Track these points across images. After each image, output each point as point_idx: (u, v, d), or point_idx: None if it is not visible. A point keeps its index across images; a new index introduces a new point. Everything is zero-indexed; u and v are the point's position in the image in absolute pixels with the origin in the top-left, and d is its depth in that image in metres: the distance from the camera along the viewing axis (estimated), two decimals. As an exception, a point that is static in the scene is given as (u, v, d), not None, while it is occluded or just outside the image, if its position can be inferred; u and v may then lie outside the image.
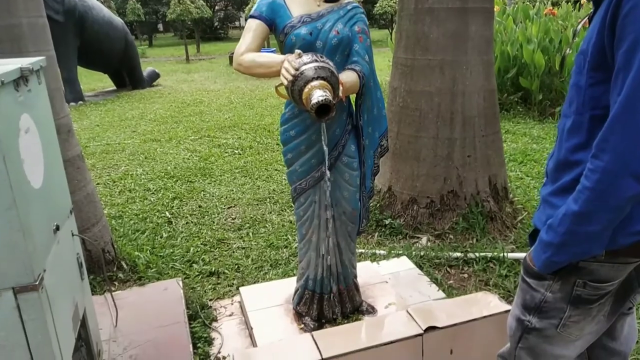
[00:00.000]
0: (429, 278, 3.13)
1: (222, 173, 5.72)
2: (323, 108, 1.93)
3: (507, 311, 1.80)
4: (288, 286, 2.93)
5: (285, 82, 2.02)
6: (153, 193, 5.19)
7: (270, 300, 2.84)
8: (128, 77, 12.67)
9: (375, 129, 2.49)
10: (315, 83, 1.97)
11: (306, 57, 2.02)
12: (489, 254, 3.36)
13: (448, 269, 3.34)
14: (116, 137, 7.63)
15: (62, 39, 10.33)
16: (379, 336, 1.70)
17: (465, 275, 3.26)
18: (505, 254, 3.31)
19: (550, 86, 7.34)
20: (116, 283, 3.32)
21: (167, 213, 4.62)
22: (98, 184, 5.54)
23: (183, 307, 2.75)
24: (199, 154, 6.45)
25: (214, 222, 4.40)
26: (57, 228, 1.78)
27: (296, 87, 2.00)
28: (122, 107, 10.28)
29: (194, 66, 18.50)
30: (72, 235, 2.01)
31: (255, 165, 5.91)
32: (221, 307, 2.98)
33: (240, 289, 2.99)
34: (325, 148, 2.22)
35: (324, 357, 1.64)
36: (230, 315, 2.90)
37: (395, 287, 2.96)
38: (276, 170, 5.70)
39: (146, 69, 13.40)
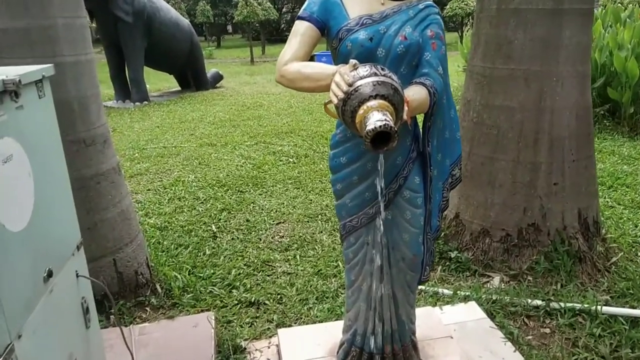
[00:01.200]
0: (503, 333, 2.60)
1: (275, 183, 5.39)
2: (381, 136, 1.50)
3: None
4: (333, 332, 2.52)
5: (335, 101, 1.61)
6: (202, 202, 4.95)
7: (312, 349, 2.44)
8: (192, 78, 12.74)
9: (446, 155, 2.02)
10: (372, 103, 1.54)
11: (363, 70, 1.60)
12: (578, 305, 2.78)
13: (526, 319, 2.80)
14: (174, 140, 7.54)
15: (130, 40, 10.52)
16: None
17: (547, 331, 2.71)
18: (598, 306, 2.72)
19: (647, 98, 6.47)
20: (148, 309, 3.04)
21: (213, 226, 4.34)
22: (149, 190, 5.39)
23: (212, 352, 2.40)
24: (253, 161, 6.18)
25: (260, 240, 4.06)
26: (50, 274, 1.47)
27: (348, 107, 1.58)
28: (183, 108, 10.28)
29: (257, 68, 18.52)
30: (77, 276, 1.70)
31: (309, 176, 5.54)
32: (256, 350, 2.62)
33: (279, 331, 2.61)
34: (380, 186, 1.79)
35: None
36: (265, 362, 2.53)
37: (461, 343, 2.47)
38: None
39: (210, 71, 13.45)
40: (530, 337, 2.66)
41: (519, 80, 3.05)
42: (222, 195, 5.10)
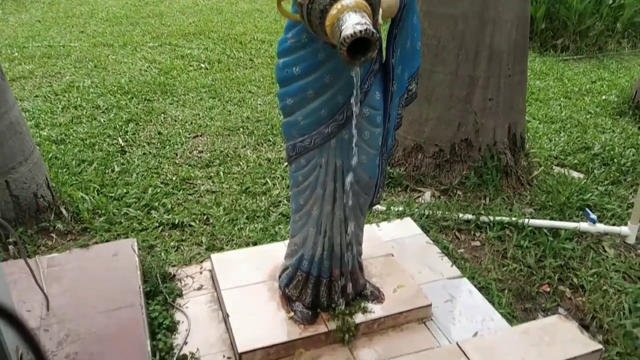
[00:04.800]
0: (439, 248, 2.63)
1: (186, 92, 4.91)
2: (358, 43, 1.25)
3: (595, 352, 1.31)
4: (272, 255, 2.38)
5: (298, -4, 1.31)
6: (104, 112, 4.39)
7: (250, 274, 2.29)
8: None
9: (405, 68, 1.82)
10: (348, 1, 1.27)
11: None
12: (505, 218, 2.87)
13: (457, 233, 2.85)
14: (60, 38, 6.53)
15: None
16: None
17: (478, 244, 2.79)
18: (525, 219, 2.83)
19: (557, 14, 6.63)
20: (54, 236, 2.67)
21: (120, 140, 3.88)
22: (37, 96, 4.66)
23: (139, 283, 2.16)
24: (158, 66, 5.55)
25: (176, 155, 3.71)
26: None
27: (317, 5, 1.30)
28: (69, 0, 8.90)
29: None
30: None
31: (225, 85, 5.10)
32: (187, 276, 2.41)
33: (212, 256, 2.41)
34: (355, 108, 1.57)
35: None
36: (199, 289, 2.34)
37: (402, 260, 2.45)
38: (250, 92, 4.94)
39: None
40: (462, 250, 2.73)
41: (463, -14, 2.85)
42: (126, 104, 4.55)
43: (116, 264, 2.25)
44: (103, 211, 2.92)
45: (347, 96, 1.67)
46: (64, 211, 2.79)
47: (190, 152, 3.76)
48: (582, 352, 1.28)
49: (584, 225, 2.77)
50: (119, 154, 3.68)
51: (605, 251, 2.70)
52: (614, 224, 2.85)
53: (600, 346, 1.30)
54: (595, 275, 2.53)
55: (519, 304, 2.38)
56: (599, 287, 2.46)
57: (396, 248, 2.58)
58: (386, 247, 2.53)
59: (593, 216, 2.76)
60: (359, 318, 2.08)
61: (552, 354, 1.28)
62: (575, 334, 1.33)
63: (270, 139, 3.95)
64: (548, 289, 2.46)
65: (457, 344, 1.29)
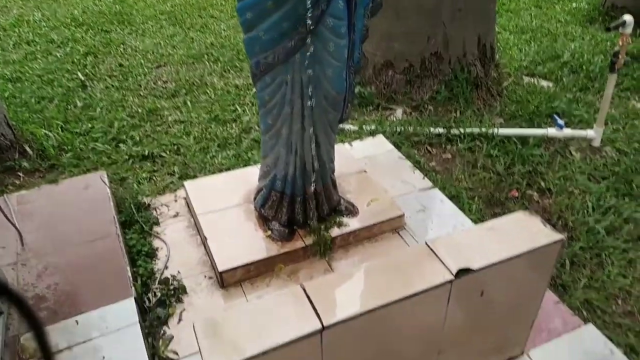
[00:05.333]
0: (411, 162, 2.66)
1: (145, 20, 4.67)
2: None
3: (557, 242, 1.37)
4: (246, 179, 2.38)
5: None
6: (59, 46, 4.16)
7: (225, 198, 2.29)
8: None
9: (368, -27, 1.75)
10: None
11: None
12: (476, 130, 2.91)
13: (429, 147, 2.88)
14: (2, -32, 6.04)
15: None
16: (394, 288, 1.23)
17: (449, 156, 2.83)
18: (495, 130, 2.87)
19: None
20: (20, 174, 2.61)
21: (79, 74, 3.71)
22: (-17, 32, 4.38)
23: (113, 213, 2.15)
24: (113, -6, 5.23)
25: (140, 87, 3.58)
26: None
27: None
28: None
29: None
30: None
31: (185, 10, 4.87)
32: (162, 205, 2.40)
33: (186, 183, 2.39)
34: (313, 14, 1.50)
35: (324, 324, 1.17)
36: (175, 217, 2.34)
37: (375, 176, 2.48)
38: (212, 17, 4.72)
39: None
40: (434, 163, 2.77)
41: None
42: (82, 37, 4.32)
43: (88, 197, 2.23)
44: (69, 147, 2.85)
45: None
46: (28, 149, 2.71)
47: (154, 83, 3.64)
48: (544, 243, 1.34)
49: (551, 131, 2.82)
50: (80, 89, 3.54)
51: (571, 155, 2.78)
52: (581, 129, 2.91)
53: (562, 236, 1.36)
54: (561, 179, 2.61)
55: (488, 209, 2.46)
56: (565, 189, 2.55)
57: (369, 165, 2.60)
58: (359, 164, 2.55)
59: (560, 122, 2.80)
60: (335, 232, 2.13)
61: (517, 246, 1.34)
62: (539, 227, 1.39)
63: (237, 64, 3.84)
64: (516, 194, 2.54)
65: (426, 242, 1.33)
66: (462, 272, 1.29)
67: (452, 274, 1.28)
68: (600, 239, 2.24)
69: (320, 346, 1.20)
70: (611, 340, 1.82)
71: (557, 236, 1.37)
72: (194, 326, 1.19)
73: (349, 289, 1.26)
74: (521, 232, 1.38)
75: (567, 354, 1.76)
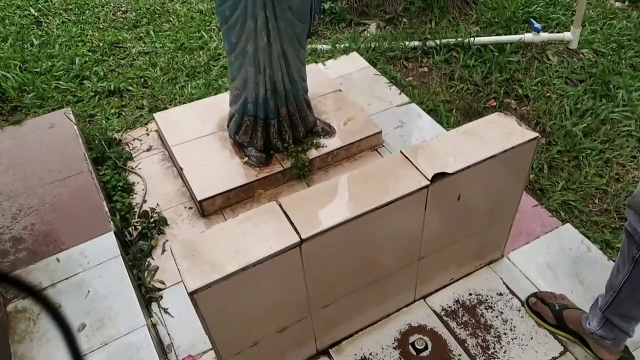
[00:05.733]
0: (387, 78, 2.59)
1: (97, -53, 4.32)
2: None
3: (532, 140, 1.36)
4: (218, 106, 2.30)
5: None
6: (5, -19, 3.86)
7: (198, 127, 2.23)
8: None
9: None
10: None
11: None
12: (452, 40, 2.82)
13: (405, 62, 2.80)
14: None
15: None
16: (371, 197, 1.21)
17: (426, 70, 2.76)
18: (471, 39, 2.78)
19: None
20: (-18, 119, 2.49)
21: (32, 10, 3.47)
22: None
23: (83, 150, 2.08)
24: None
25: (99, 19, 3.38)
26: None
27: None
28: None
29: None
30: None
31: None
32: (134, 139, 2.34)
33: (155, 115, 2.31)
34: None
35: (302, 237, 1.16)
36: (148, 150, 2.28)
37: (351, 95, 2.42)
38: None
39: None
40: (410, 78, 2.70)
41: None
42: (29, -31, 4.00)
43: (54, 135, 2.15)
44: (31, 87, 2.71)
45: None
46: (-14, 92, 2.57)
47: (113, 14, 3.43)
48: (519, 142, 1.32)
49: (528, 36, 2.75)
50: (35, 26, 3.32)
51: (549, 59, 2.73)
52: (558, 32, 2.84)
53: (536, 134, 1.35)
54: (539, 84, 2.58)
55: (466, 121, 2.43)
56: (542, 94, 2.52)
57: (344, 84, 2.53)
58: (334, 84, 2.47)
59: (537, 25, 2.72)
60: (313, 154, 2.09)
61: (492, 148, 1.33)
62: (513, 127, 1.36)
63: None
64: (494, 104, 2.51)
65: (401, 151, 1.31)
66: (438, 176, 1.28)
67: (428, 179, 1.27)
68: (577, 142, 2.24)
69: (300, 259, 1.21)
70: (588, 237, 1.87)
71: (531, 134, 1.35)
72: (171, 249, 1.17)
73: (325, 201, 1.25)
74: (496, 133, 1.36)
75: (545, 254, 1.81)
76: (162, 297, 1.72)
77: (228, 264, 1.12)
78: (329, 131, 2.17)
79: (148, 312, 1.67)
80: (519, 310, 1.65)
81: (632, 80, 2.56)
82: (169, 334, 1.63)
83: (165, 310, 1.69)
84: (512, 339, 1.59)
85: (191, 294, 1.09)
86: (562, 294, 1.65)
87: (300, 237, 1.16)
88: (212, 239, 1.18)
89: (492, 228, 1.64)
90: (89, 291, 1.60)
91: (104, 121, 2.47)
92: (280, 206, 1.23)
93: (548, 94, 2.52)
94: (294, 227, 1.18)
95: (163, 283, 1.76)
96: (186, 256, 1.15)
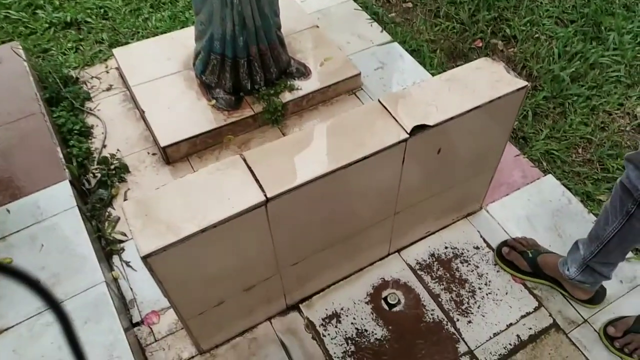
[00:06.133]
0: (368, 14, 2.41)
1: None
2: None
3: (520, 89, 1.25)
4: (183, 42, 2.11)
5: None
6: None
7: (161, 65, 2.05)
8: None
9: None
10: None
11: None
12: (439, -27, 2.62)
13: (387, -3, 2.61)
14: None
15: None
16: (344, 151, 1.10)
17: (410, 5, 2.57)
18: (458, -27, 2.59)
19: None
20: None
21: None
22: None
23: (34, 90, 1.90)
24: None
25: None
26: None
27: None
28: None
29: None
30: None
31: None
32: (93, 77, 2.15)
33: (115, 51, 2.12)
34: None
35: (268, 196, 1.05)
36: (108, 90, 2.11)
37: (328, 32, 2.25)
38: None
39: None
40: (393, 14, 2.52)
41: None
42: None
43: (1, 73, 1.95)
44: (-24, 16, 2.46)
45: None
46: None
47: None
48: (507, 91, 1.21)
49: (520, -29, 2.56)
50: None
51: (540, -3, 2.56)
52: (551, -33, 2.66)
53: (525, 83, 1.24)
54: (528, 24, 2.43)
55: (450, 62, 2.30)
56: (531, 35, 2.38)
57: (321, 19, 2.34)
58: (310, 19, 2.29)
59: (530, -41, 2.53)
60: (286, 97, 1.95)
61: (477, 97, 1.21)
62: (501, 74, 1.25)
63: None
64: (480, 44, 2.37)
65: (378, 100, 1.19)
66: (418, 128, 1.17)
67: (407, 132, 1.16)
68: (564, 87, 2.14)
69: (266, 219, 1.11)
70: (569, 189, 1.82)
71: (520, 83, 1.24)
72: (122, 207, 1.06)
73: (294, 155, 1.13)
74: (483, 81, 1.24)
75: (525, 206, 1.76)
76: (123, 250, 1.63)
77: (186, 225, 1.02)
78: (304, 72, 2.02)
79: (109, 266, 1.59)
80: (495, 265, 1.61)
81: (624, 22, 2.43)
82: (131, 289, 1.55)
83: (127, 264, 1.60)
84: (487, 294, 1.55)
85: (144, 258, 0.99)
86: (532, 238, 1.62)
87: (265, 195, 1.06)
88: (168, 196, 1.07)
89: (473, 180, 1.56)
90: (42, 245, 1.49)
91: (59, 56, 2.26)
92: (245, 160, 1.12)
93: (537, 35, 2.38)
94: (259, 184, 1.08)
95: (125, 235, 1.66)
96: (139, 215, 1.04)
